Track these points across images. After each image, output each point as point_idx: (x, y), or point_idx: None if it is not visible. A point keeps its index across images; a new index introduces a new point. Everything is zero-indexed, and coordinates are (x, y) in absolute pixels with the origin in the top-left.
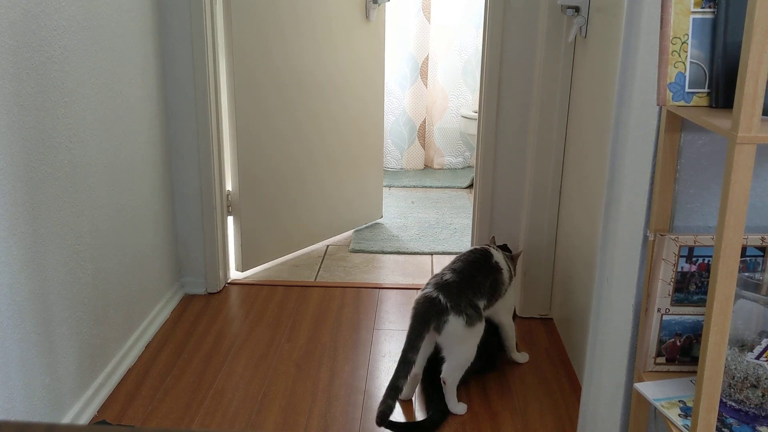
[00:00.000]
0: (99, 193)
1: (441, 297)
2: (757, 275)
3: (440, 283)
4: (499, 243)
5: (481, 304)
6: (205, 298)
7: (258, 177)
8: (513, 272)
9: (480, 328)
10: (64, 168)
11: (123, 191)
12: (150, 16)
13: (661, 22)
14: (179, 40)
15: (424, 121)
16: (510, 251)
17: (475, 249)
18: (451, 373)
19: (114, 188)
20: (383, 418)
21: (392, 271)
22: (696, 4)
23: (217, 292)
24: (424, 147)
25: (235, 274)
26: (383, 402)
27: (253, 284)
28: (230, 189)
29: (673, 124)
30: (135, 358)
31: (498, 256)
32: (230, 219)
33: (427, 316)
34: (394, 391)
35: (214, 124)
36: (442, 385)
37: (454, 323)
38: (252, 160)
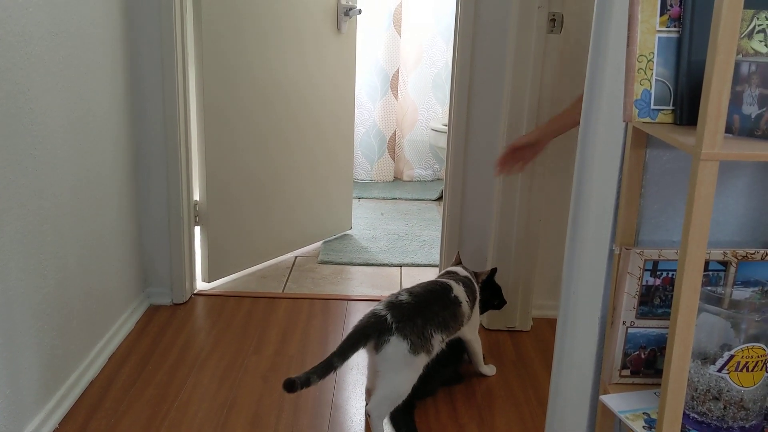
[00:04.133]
0: (64, 201)
1: (389, 316)
2: (720, 289)
3: (393, 303)
4: (471, 262)
5: (434, 335)
6: (171, 308)
7: (226, 187)
8: (477, 294)
9: (421, 362)
10: (28, 175)
11: (89, 200)
12: (119, 25)
13: (628, 40)
14: (148, 51)
15: (394, 134)
16: (493, 278)
17: (437, 281)
18: (377, 406)
19: (79, 197)
20: (291, 386)
21: (361, 282)
22: (662, 23)
23: (183, 303)
24: (393, 159)
25: (201, 285)
26: (299, 376)
27: (219, 295)
28: (198, 199)
29: (639, 140)
30: (98, 369)
31: (458, 290)
32: (197, 229)
33: (368, 330)
34: (305, 382)
35: (183, 133)
36: (366, 417)
37: (396, 346)
38: (220, 170)
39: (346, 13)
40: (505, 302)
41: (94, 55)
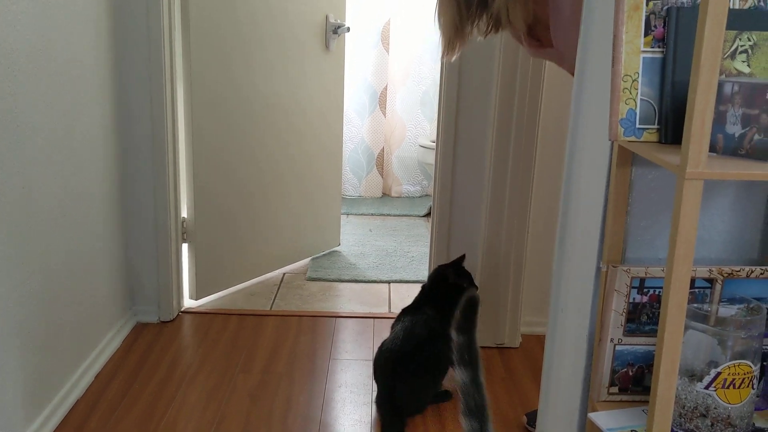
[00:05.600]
0: (50, 217)
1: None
2: (706, 306)
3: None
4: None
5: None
6: (158, 326)
7: (214, 203)
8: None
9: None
10: (14, 192)
11: (75, 216)
12: (107, 42)
13: (613, 60)
14: (136, 68)
15: (383, 150)
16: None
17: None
18: None
19: (66, 213)
20: None
21: (349, 299)
22: (646, 44)
23: (171, 321)
24: (382, 175)
25: (188, 302)
26: None
27: (207, 313)
28: (185, 216)
29: (624, 158)
30: (84, 388)
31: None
32: (185, 246)
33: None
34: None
35: (170, 150)
36: None
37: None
38: (208, 187)
39: (335, 31)
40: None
41: (81, 71)
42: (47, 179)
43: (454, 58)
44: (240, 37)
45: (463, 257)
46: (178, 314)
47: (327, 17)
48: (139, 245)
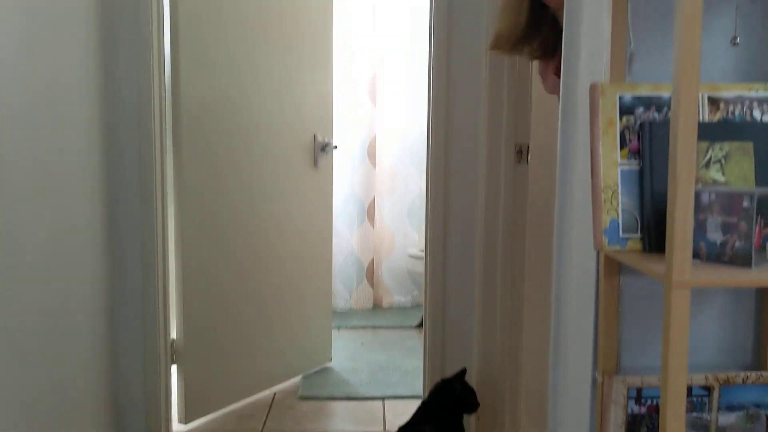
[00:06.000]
0: (32, 341)
1: None
2: (705, 415)
3: None
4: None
5: None
6: None
7: (204, 323)
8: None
9: None
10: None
11: (62, 337)
12: (97, 162)
13: (592, 173)
14: (128, 186)
15: (372, 260)
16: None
17: None
18: None
19: (52, 333)
20: None
21: (342, 419)
22: (622, 157)
23: None
24: (372, 286)
25: (177, 427)
26: None
27: None
28: (174, 336)
29: (611, 267)
30: None
31: None
32: (174, 367)
33: None
34: None
35: (161, 269)
36: None
37: None
38: (198, 306)
39: (323, 149)
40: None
41: (71, 190)
42: (32, 297)
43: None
44: (231, 154)
45: (464, 371)
46: None
47: (315, 136)
48: (127, 368)
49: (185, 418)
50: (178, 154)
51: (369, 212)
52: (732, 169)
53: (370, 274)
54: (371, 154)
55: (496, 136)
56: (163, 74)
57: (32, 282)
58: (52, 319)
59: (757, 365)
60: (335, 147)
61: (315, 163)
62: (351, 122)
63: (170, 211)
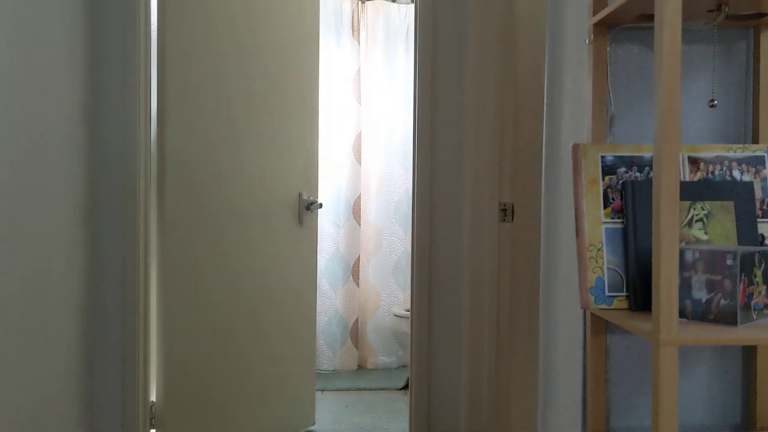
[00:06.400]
0: (9, 402)
1: None
2: None
3: None
4: None
5: None
6: None
7: (185, 387)
8: None
9: None
10: None
11: (37, 399)
12: (79, 222)
13: (577, 231)
14: (110, 246)
15: (357, 320)
16: None
17: None
18: None
19: (20, 399)
20: None
21: None
22: (606, 215)
23: None
24: (357, 347)
25: None
26: None
27: None
28: (154, 399)
29: (598, 326)
30: None
31: None
32: None
33: None
34: None
35: (142, 331)
36: None
37: None
38: (180, 369)
39: (308, 208)
40: None
41: (49, 242)
42: (3, 365)
43: None
44: (216, 212)
45: None
46: None
47: (300, 194)
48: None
49: None
50: (162, 212)
51: (354, 271)
52: (714, 228)
53: (355, 334)
54: (356, 212)
55: (479, 194)
56: (149, 129)
57: (13, 353)
58: (26, 379)
59: (746, 425)
60: (320, 205)
61: (300, 221)
62: (336, 181)
63: (153, 269)
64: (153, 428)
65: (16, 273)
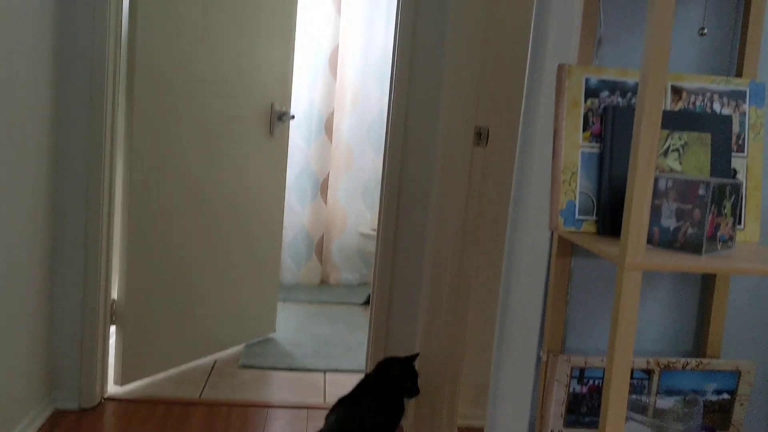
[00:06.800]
0: None
1: None
2: (644, 398)
3: None
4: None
5: None
6: (78, 414)
7: (146, 286)
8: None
9: None
10: None
11: None
12: (46, 102)
13: (553, 153)
14: (76, 136)
15: (322, 237)
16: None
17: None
18: None
19: None
20: None
21: (283, 388)
22: (584, 139)
23: (92, 408)
24: (321, 262)
25: (113, 389)
26: None
27: (132, 400)
28: (115, 297)
29: (564, 248)
30: None
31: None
32: (113, 328)
33: None
34: None
35: (104, 229)
36: None
37: None
38: (142, 268)
39: (279, 118)
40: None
41: (18, 144)
42: None
43: None
44: (185, 116)
45: (416, 355)
46: (100, 401)
47: (272, 104)
48: (63, 327)
49: (122, 380)
50: (130, 111)
51: (323, 188)
52: (689, 159)
53: (320, 250)
54: (328, 128)
55: (455, 117)
56: (119, 30)
57: None
58: None
59: (697, 353)
60: (293, 117)
61: (271, 131)
62: (309, 93)
63: (118, 167)
64: (113, 324)
65: None
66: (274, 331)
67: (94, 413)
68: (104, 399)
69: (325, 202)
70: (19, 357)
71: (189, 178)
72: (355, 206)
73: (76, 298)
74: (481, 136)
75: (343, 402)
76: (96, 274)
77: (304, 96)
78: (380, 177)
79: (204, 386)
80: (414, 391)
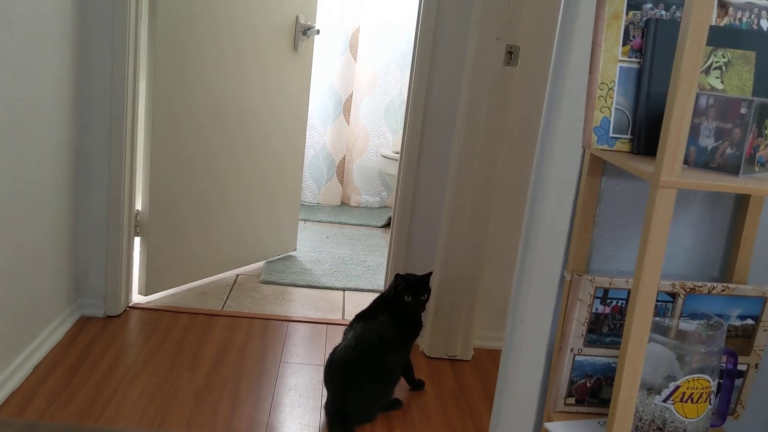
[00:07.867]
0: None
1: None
2: (667, 320)
3: None
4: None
5: None
6: (103, 321)
7: (170, 199)
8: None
9: None
10: None
11: (22, 200)
12: (69, 19)
13: (590, 67)
14: (98, 54)
15: (344, 158)
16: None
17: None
18: None
19: (13, 196)
20: None
21: (303, 304)
22: (624, 53)
23: (117, 316)
24: (342, 184)
25: (137, 298)
26: None
27: (155, 309)
28: (140, 209)
29: (596, 167)
30: (21, 380)
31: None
32: (137, 240)
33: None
34: None
35: (129, 141)
36: None
37: None
38: (166, 181)
39: (304, 33)
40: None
41: (41, 50)
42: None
43: None
44: (209, 31)
45: (429, 274)
46: (125, 309)
47: (297, 18)
48: (89, 236)
49: (146, 290)
50: (153, 21)
51: (345, 108)
52: (731, 78)
53: (341, 171)
54: (353, 45)
55: (486, 34)
56: None
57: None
58: (15, 181)
59: (723, 278)
60: (318, 31)
61: (295, 46)
62: (335, 9)
63: (142, 85)
64: (138, 236)
65: (8, 77)
66: (295, 249)
67: (119, 320)
68: (129, 307)
69: (348, 122)
70: (47, 265)
71: (212, 93)
72: (378, 127)
73: (100, 210)
74: (512, 55)
75: (359, 318)
76: (120, 185)
77: (327, 11)
78: (404, 98)
79: (226, 299)
80: (415, 306)
